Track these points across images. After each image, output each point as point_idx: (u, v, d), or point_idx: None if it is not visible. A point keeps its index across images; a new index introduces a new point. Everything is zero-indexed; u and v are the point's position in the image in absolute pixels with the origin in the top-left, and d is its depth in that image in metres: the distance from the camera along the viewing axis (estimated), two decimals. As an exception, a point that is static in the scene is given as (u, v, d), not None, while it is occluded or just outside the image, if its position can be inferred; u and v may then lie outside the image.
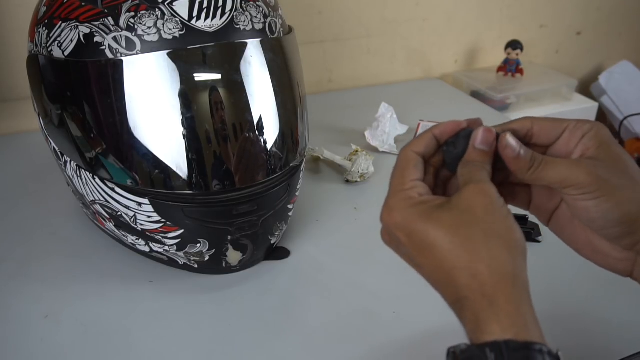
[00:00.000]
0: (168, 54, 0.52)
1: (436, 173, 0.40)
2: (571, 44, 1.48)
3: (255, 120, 0.56)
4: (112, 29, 0.51)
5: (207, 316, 0.58)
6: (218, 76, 0.54)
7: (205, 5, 0.53)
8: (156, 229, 0.58)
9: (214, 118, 0.54)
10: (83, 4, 0.53)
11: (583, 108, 1.29)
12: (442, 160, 0.40)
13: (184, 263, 0.62)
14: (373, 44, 1.24)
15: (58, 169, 0.65)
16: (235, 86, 0.55)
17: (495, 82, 1.27)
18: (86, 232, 0.70)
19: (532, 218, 0.65)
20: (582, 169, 0.36)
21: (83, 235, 0.70)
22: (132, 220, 0.59)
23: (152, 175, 0.55)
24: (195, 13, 0.52)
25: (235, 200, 0.57)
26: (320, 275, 0.64)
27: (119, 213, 0.59)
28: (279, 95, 0.59)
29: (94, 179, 0.58)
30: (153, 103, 0.53)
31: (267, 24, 0.58)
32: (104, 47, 0.52)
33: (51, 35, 0.55)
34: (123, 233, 0.62)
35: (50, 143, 0.63)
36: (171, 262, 0.63)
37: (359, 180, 0.82)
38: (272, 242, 0.65)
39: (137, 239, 0.61)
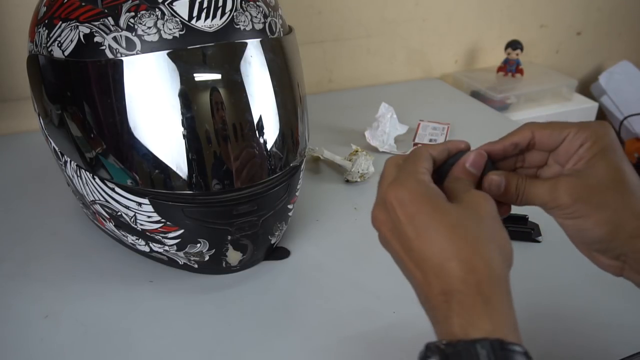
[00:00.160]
0: (168, 54, 0.52)
1: None
2: (571, 44, 1.48)
3: (255, 121, 0.56)
4: (112, 29, 0.51)
5: (207, 316, 0.58)
6: (218, 76, 0.54)
7: (205, 5, 0.53)
8: (156, 229, 0.58)
9: (214, 118, 0.54)
10: (83, 4, 0.53)
11: (583, 108, 1.29)
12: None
13: (184, 263, 0.62)
14: (373, 44, 1.24)
15: (58, 169, 0.65)
16: (235, 86, 0.55)
17: (495, 82, 1.27)
18: (86, 232, 0.70)
19: (532, 218, 0.64)
20: (561, 191, 0.38)
21: (83, 235, 0.70)
22: (132, 220, 0.59)
23: (152, 175, 0.55)
24: (195, 13, 0.52)
25: (235, 200, 0.57)
26: (320, 275, 0.64)
27: (119, 213, 0.59)
28: (279, 95, 0.59)
29: (94, 179, 0.58)
30: (153, 103, 0.53)
31: (267, 24, 0.58)
32: (104, 47, 0.52)
33: (51, 35, 0.55)
34: (123, 233, 0.62)
35: (50, 143, 0.63)
36: (171, 262, 0.63)
37: (359, 180, 0.82)
38: (272, 242, 0.65)
39: (137, 239, 0.61)
